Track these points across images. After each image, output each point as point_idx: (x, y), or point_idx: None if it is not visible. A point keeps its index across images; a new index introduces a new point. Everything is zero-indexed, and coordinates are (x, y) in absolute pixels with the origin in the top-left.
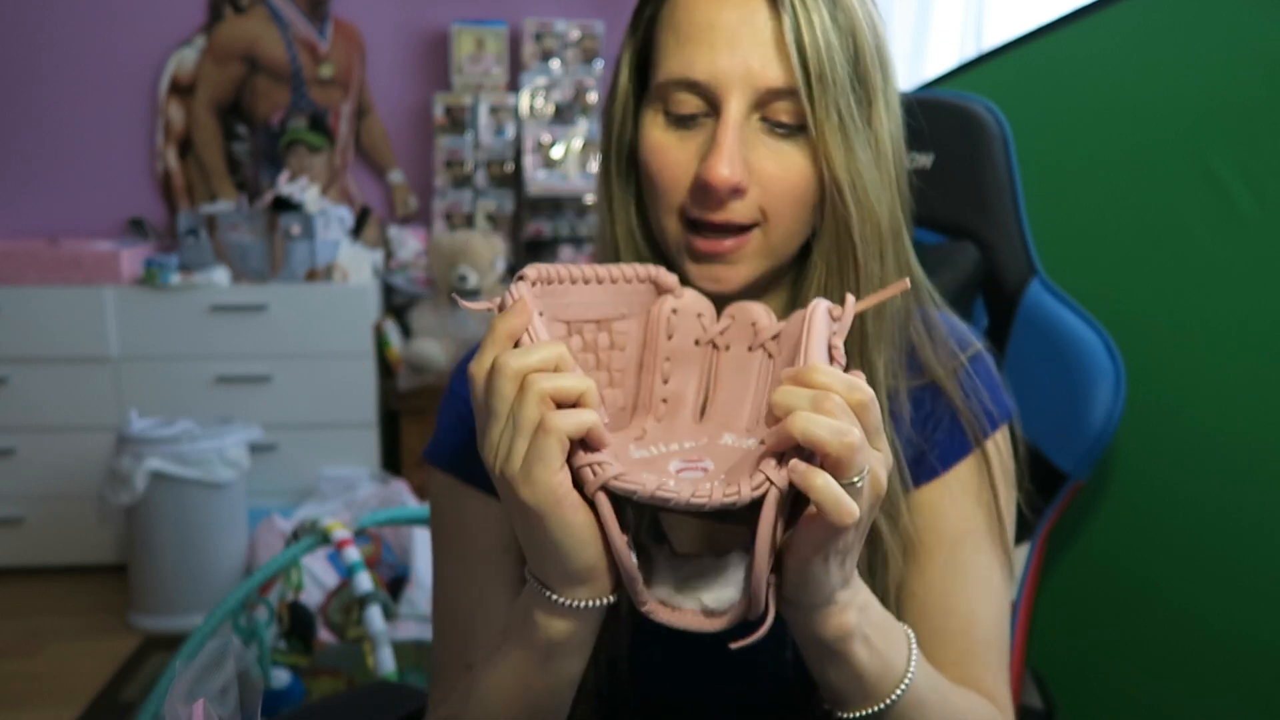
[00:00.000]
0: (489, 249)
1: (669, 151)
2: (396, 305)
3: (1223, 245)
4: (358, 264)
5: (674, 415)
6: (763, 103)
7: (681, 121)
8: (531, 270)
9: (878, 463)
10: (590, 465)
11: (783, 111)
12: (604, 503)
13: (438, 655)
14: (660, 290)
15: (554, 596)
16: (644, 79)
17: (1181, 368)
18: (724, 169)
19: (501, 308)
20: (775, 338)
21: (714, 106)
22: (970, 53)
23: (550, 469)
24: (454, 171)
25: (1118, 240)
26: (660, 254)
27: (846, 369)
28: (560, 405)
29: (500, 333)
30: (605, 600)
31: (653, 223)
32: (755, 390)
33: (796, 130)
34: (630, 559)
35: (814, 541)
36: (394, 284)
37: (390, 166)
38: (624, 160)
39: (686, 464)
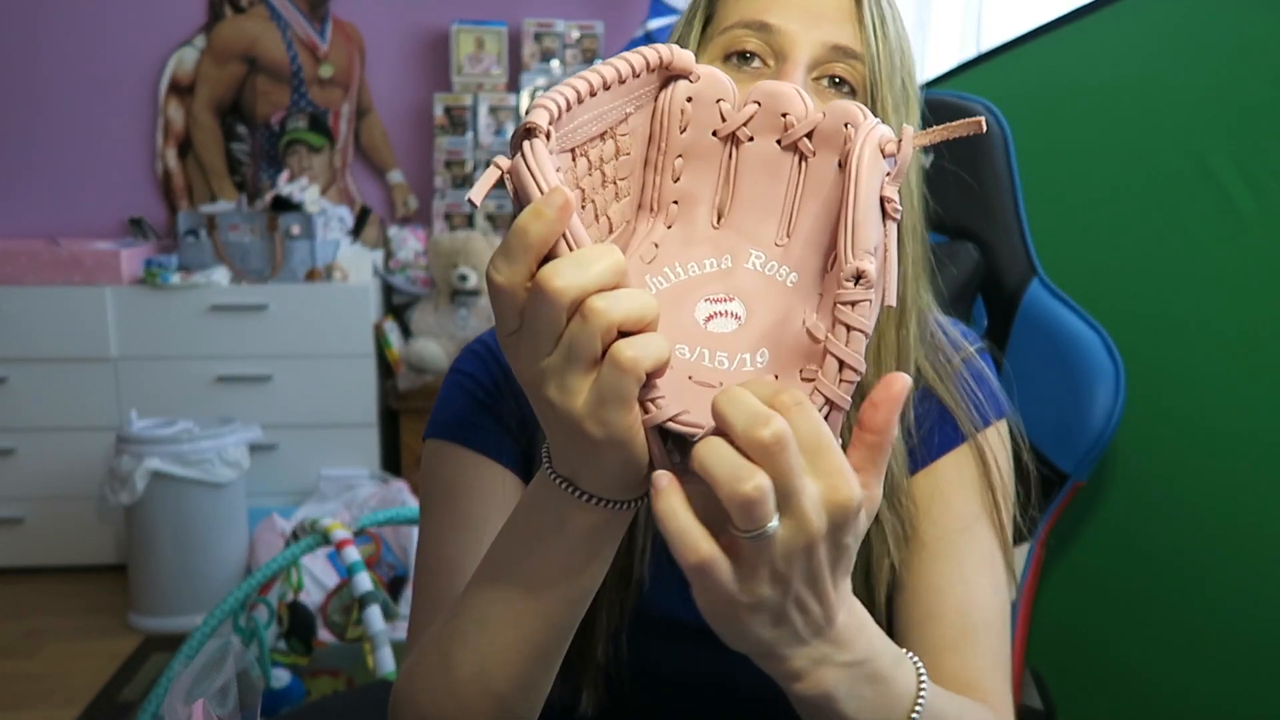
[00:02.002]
0: (489, 249)
1: None
2: (396, 305)
3: (1223, 245)
4: (358, 264)
5: (688, 218)
6: (823, 62)
7: (740, 60)
8: (542, 115)
9: (808, 501)
10: (647, 402)
11: (843, 70)
12: (655, 440)
13: (420, 603)
14: (673, 75)
15: (587, 498)
16: (703, 43)
17: (1181, 368)
18: None
19: (518, 180)
20: (811, 135)
21: (777, 56)
22: (970, 53)
23: (628, 409)
24: (454, 171)
25: (1118, 240)
26: None
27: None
28: (624, 332)
29: (535, 238)
30: (643, 500)
31: None
32: (787, 198)
33: (849, 95)
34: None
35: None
36: (394, 284)
37: (390, 166)
38: None
39: (715, 306)
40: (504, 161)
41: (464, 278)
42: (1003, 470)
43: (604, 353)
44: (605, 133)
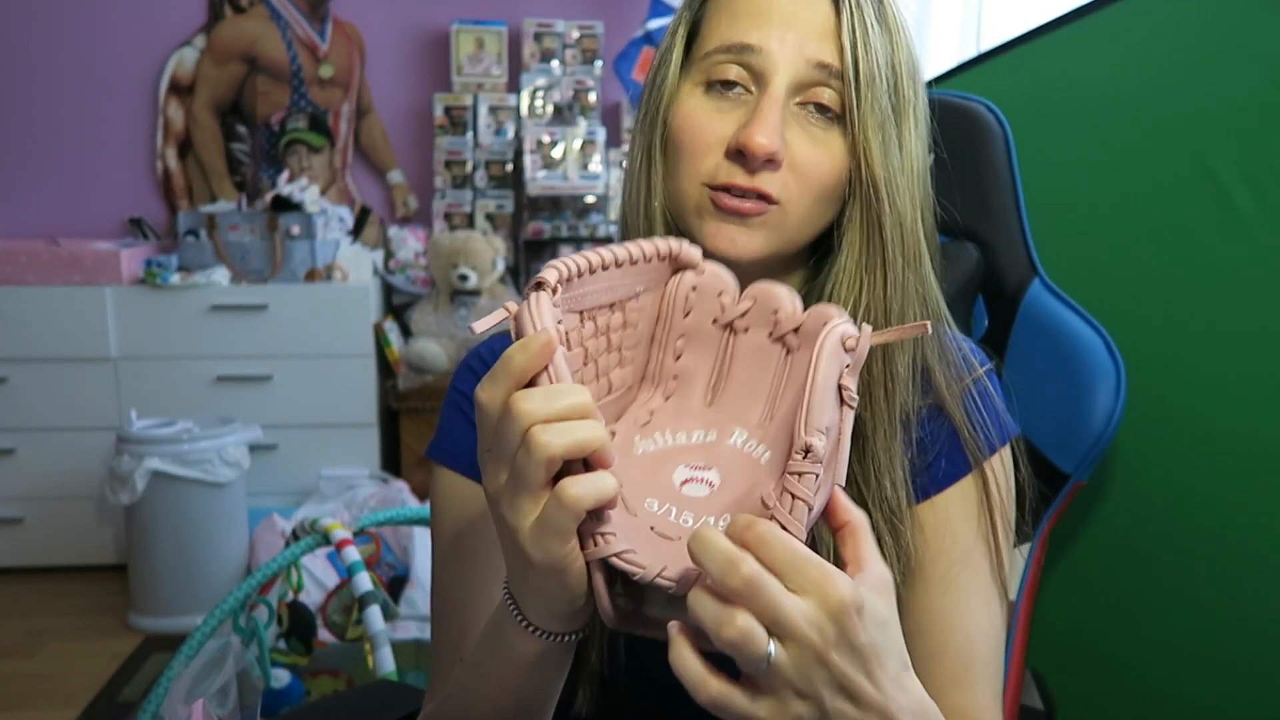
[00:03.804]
0: (489, 249)
1: (704, 117)
2: (396, 305)
3: (1223, 245)
4: (358, 264)
5: (684, 394)
6: (806, 84)
7: (721, 90)
8: (551, 274)
9: (801, 620)
10: (597, 535)
11: (824, 96)
12: (599, 574)
13: (435, 646)
14: (681, 266)
15: (527, 625)
16: (687, 55)
17: (1182, 368)
18: (762, 136)
19: (518, 322)
20: (797, 330)
21: (758, 80)
22: (970, 53)
23: (564, 540)
24: (454, 171)
25: (1118, 240)
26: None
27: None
28: (574, 457)
29: (516, 367)
30: (577, 635)
31: (670, 187)
32: (772, 385)
33: (833, 120)
34: (610, 613)
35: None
36: (394, 284)
37: (390, 166)
38: (668, 134)
39: (693, 473)
40: (513, 306)
41: (464, 278)
42: (1004, 496)
43: (554, 482)
44: (615, 304)
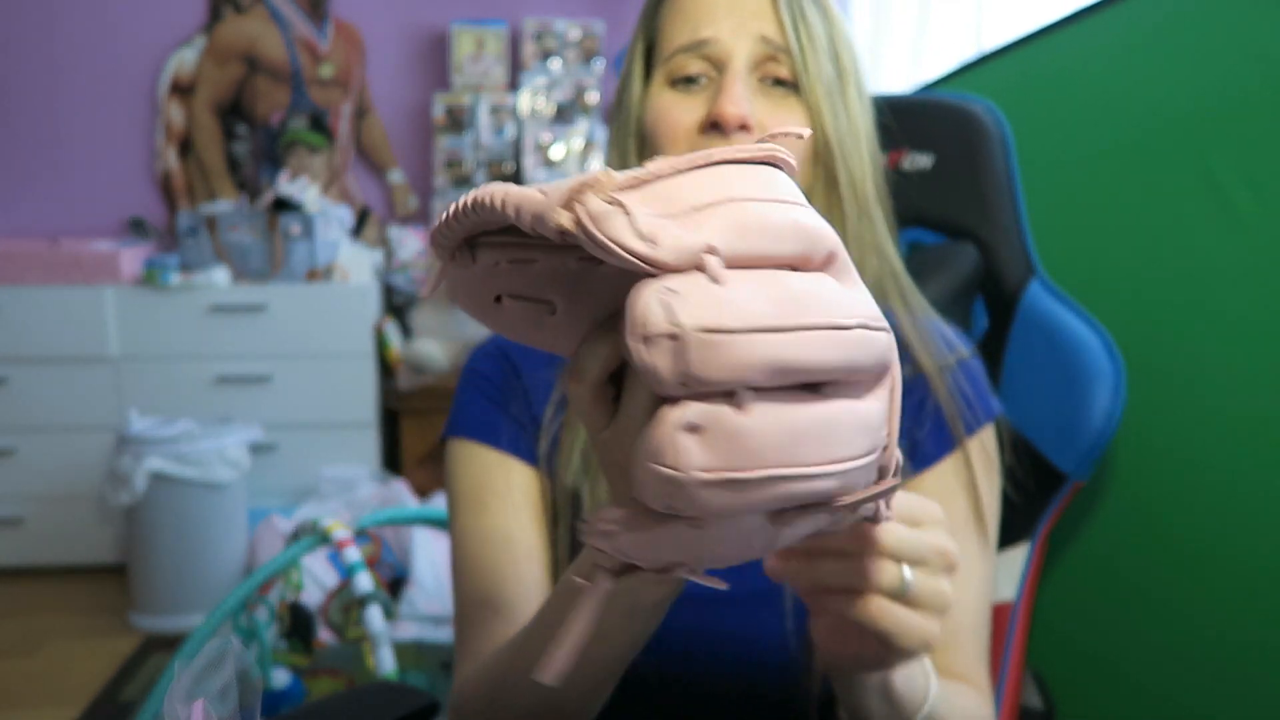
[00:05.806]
0: None
1: (674, 105)
2: (396, 305)
3: (1223, 245)
4: (358, 264)
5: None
6: (761, 59)
7: (685, 84)
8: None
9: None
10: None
11: (779, 70)
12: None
13: (459, 605)
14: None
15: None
16: (649, 70)
17: (1181, 368)
18: (731, 106)
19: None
20: None
21: (718, 66)
22: (970, 53)
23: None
24: (454, 171)
25: (1118, 240)
26: None
27: None
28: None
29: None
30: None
31: None
32: None
33: (790, 90)
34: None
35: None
36: (394, 284)
37: (390, 166)
38: (643, 134)
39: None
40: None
41: None
42: (990, 472)
43: None
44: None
